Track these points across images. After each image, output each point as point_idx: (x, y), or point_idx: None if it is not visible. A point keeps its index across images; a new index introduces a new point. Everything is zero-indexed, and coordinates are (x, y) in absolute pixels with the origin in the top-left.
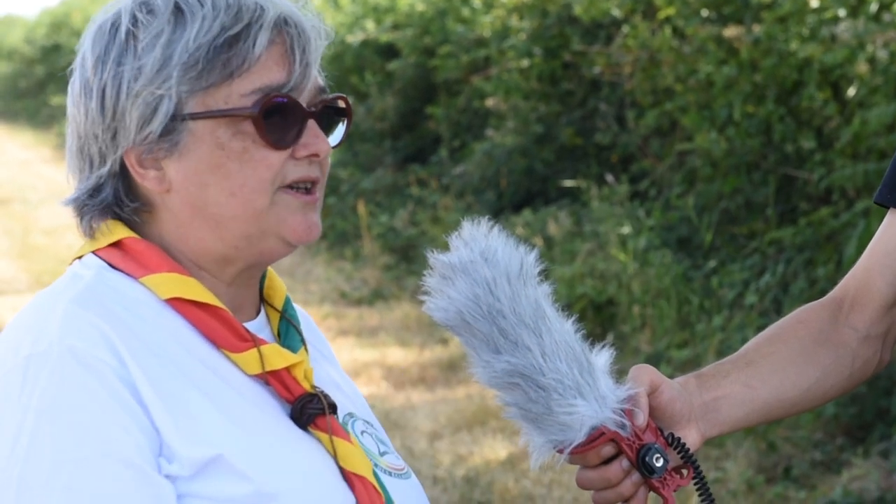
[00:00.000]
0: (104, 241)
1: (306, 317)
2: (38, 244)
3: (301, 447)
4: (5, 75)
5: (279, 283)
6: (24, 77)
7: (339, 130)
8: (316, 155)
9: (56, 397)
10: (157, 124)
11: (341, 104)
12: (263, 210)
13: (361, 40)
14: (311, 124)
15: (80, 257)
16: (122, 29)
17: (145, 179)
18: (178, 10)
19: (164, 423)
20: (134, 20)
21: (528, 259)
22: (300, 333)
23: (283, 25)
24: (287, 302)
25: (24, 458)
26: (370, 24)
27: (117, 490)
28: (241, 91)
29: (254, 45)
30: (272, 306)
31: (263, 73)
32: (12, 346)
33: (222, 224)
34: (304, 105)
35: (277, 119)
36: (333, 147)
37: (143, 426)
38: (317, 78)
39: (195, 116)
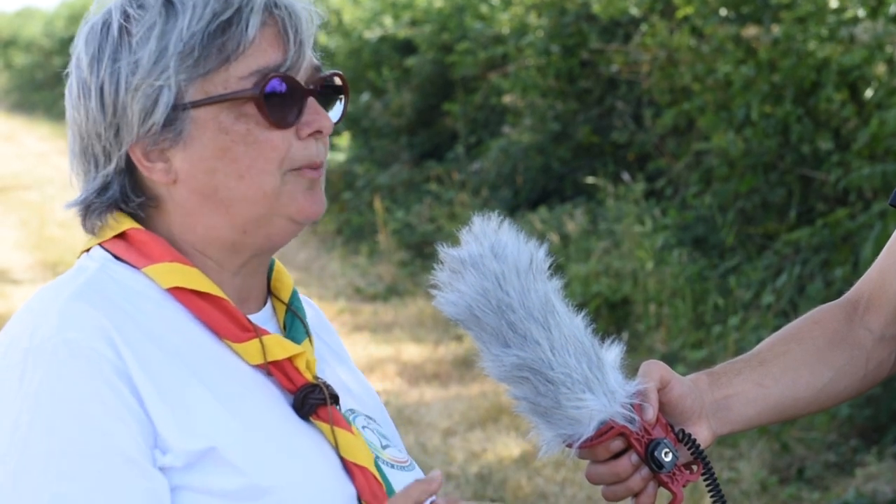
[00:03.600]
0: (110, 233)
1: (320, 314)
2: (54, 235)
3: (302, 438)
4: (23, 67)
5: (286, 277)
6: (41, 69)
7: (338, 108)
8: (319, 131)
9: (52, 389)
10: (159, 115)
11: (338, 81)
12: (273, 191)
13: (379, 36)
14: (311, 101)
15: (87, 250)
16: (115, 26)
17: (153, 173)
18: (167, 3)
19: (160, 415)
20: (125, 16)
21: (538, 254)
22: (305, 326)
23: (273, 8)
24: (294, 295)
25: (20, 450)
26: (388, 20)
27: (112, 481)
28: (239, 74)
29: (247, 27)
30: (279, 299)
31: (259, 54)
32: (15, 340)
33: (232, 207)
34: (303, 83)
35: (278, 99)
36: (335, 123)
37: (139, 418)
38: (311, 57)
39: (196, 104)
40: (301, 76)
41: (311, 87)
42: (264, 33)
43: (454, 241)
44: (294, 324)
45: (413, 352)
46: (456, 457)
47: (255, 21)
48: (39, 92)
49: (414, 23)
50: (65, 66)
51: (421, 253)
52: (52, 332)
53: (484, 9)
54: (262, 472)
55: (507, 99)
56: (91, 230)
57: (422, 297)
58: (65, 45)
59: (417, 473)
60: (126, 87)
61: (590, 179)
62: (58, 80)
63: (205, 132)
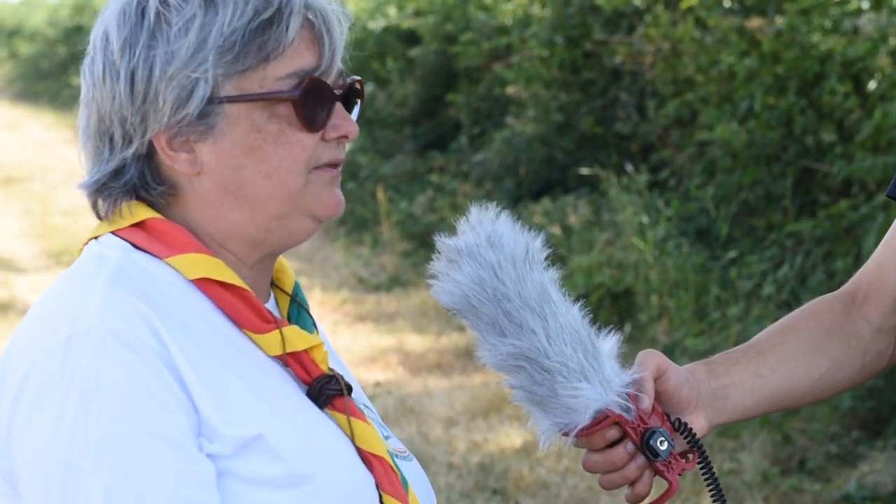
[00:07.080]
0: (124, 222)
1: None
2: (57, 224)
3: (322, 428)
4: (27, 56)
5: (288, 268)
6: (45, 58)
7: (355, 112)
8: (345, 136)
9: (99, 377)
10: (193, 107)
11: (357, 86)
12: (298, 190)
13: (383, 27)
14: (339, 107)
15: (95, 237)
16: (151, 12)
17: (176, 162)
18: None
19: (204, 403)
20: (164, 3)
21: (534, 244)
22: (312, 317)
23: (308, 11)
24: (297, 286)
25: (69, 438)
26: (392, 11)
27: (163, 468)
28: (276, 75)
29: (287, 28)
30: (282, 290)
31: (296, 56)
32: (50, 326)
33: (256, 205)
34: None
35: (312, 102)
36: None
37: (185, 406)
38: (339, 63)
39: (232, 100)
40: (330, 81)
41: (338, 91)
42: (302, 36)
43: (455, 232)
44: (301, 315)
45: (416, 342)
46: (458, 447)
47: (295, 23)
48: (44, 81)
49: (418, 13)
50: (69, 55)
51: (424, 243)
52: (95, 319)
53: (488, 0)
54: (301, 459)
55: (510, 90)
56: (104, 215)
57: (424, 287)
58: (69, 34)
59: (416, 464)
60: (160, 76)
61: (590, 171)
62: (62, 69)
63: (236, 128)
